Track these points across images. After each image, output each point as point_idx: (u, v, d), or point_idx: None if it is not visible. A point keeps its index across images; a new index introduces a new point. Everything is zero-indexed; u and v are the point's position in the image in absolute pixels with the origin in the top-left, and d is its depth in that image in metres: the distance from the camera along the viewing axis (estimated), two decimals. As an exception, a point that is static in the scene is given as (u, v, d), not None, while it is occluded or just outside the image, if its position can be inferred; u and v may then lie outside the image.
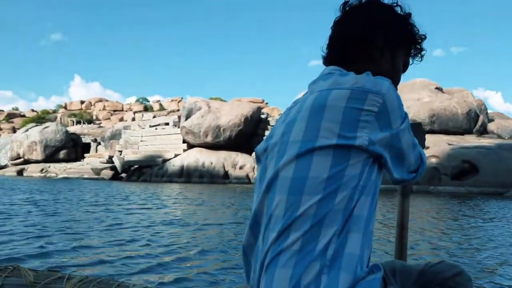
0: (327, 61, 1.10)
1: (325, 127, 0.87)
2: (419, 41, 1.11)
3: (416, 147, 1.00)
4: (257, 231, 0.96)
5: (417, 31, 1.10)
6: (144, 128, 39.25)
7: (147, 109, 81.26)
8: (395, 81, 1.07)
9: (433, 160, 22.67)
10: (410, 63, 1.14)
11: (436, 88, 33.23)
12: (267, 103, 72.26)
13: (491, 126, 32.60)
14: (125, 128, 42.37)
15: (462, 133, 29.41)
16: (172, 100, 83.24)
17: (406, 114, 0.95)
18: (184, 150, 33.32)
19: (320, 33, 1.16)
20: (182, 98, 79.76)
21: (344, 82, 0.92)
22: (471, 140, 26.98)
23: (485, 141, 26.46)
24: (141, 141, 37.43)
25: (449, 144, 24.99)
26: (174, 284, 3.78)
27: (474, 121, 30.66)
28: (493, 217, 10.32)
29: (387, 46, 1.06)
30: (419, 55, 1.13)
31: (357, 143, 0.86)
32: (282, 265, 0.84)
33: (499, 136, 30.71)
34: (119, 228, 7.08)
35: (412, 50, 1.12)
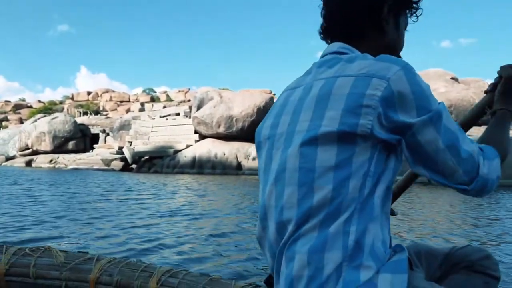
0: (329, 35, 1.03)
1: (328, 116, 0.85)
2: (417, 1, 1.04)
3: (456, 155, 0.87)
4: (267, 224, 0.94)
5: None
6: (154, 118, 38.81)
7: (154, 100, 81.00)
8: (400, 47, 1.05)
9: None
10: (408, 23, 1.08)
11: (452, 78, 32.63)
12: (275, 94, 71.94)
13: (507, 117, 32.04)
14: (135, 118, 41.96)
15: (479, 124, 28.73)
16: (179, 91, 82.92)
17: (431, 106, 0.84)
18: (196, 141, 32.90)
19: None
20: (189, 89, 79.46)
21: (350, 69, 0.87)
22: (489, 131, 26.47)
23: (505, 132, 25.96)
24: (151, 131, 37.04)
25: (468, 136, 24.47)
26: (198, 266, 3.76)
27: (491, 112, 30.11)
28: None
29: (391, 11, 1.00)
30: (415, 16, 1.06)
31: (359, 131, 0.82)
32: (301, 253, 0.83)
33: (517, 127, 30.22)
34: (144, 217, 6.81)
35: (409, 11, 1.05)
